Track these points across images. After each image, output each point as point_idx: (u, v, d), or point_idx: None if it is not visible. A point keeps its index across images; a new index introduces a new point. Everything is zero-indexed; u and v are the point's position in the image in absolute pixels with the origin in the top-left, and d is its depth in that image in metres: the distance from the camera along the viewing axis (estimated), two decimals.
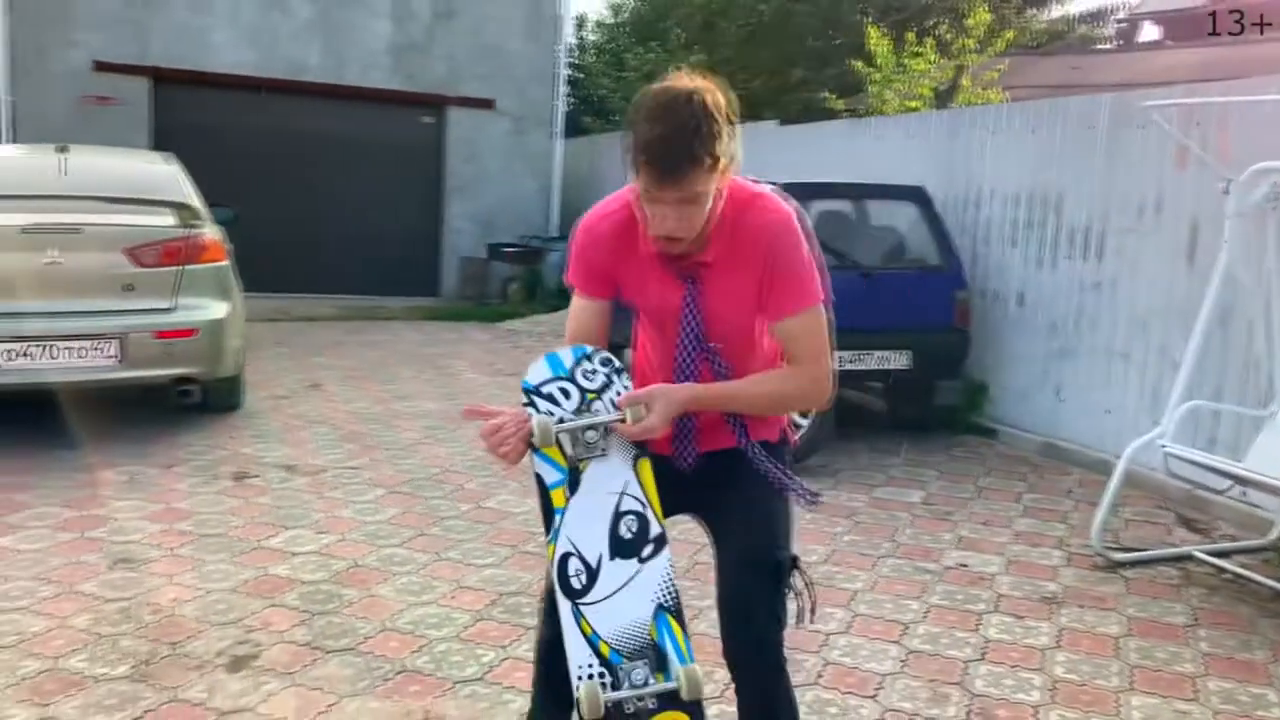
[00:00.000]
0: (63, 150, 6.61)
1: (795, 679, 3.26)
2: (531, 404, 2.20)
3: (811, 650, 3.66)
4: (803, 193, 6.84)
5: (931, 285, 6.68)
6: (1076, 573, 4.55)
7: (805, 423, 5.94)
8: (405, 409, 7.03)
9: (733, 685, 2.33)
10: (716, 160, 2.05)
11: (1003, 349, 7.05)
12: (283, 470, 5.48)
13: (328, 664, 3.37)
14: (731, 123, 2.08)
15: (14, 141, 11.09)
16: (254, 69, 12.20)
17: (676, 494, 2.30)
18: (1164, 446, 4.56)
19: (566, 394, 2.21)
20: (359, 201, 12.74)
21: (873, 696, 3.35)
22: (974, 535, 5.00)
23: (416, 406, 7.10)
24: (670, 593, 2.16)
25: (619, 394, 2.21)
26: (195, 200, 6.31)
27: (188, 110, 12.01)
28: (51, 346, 5.51)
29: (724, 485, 2.36)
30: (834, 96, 12.76)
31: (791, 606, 2.29)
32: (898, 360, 6.46)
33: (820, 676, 3.47)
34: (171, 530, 4.52)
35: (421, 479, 5.44)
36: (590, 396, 2.21)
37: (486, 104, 13.13)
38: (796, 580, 2.34)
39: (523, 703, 3.16)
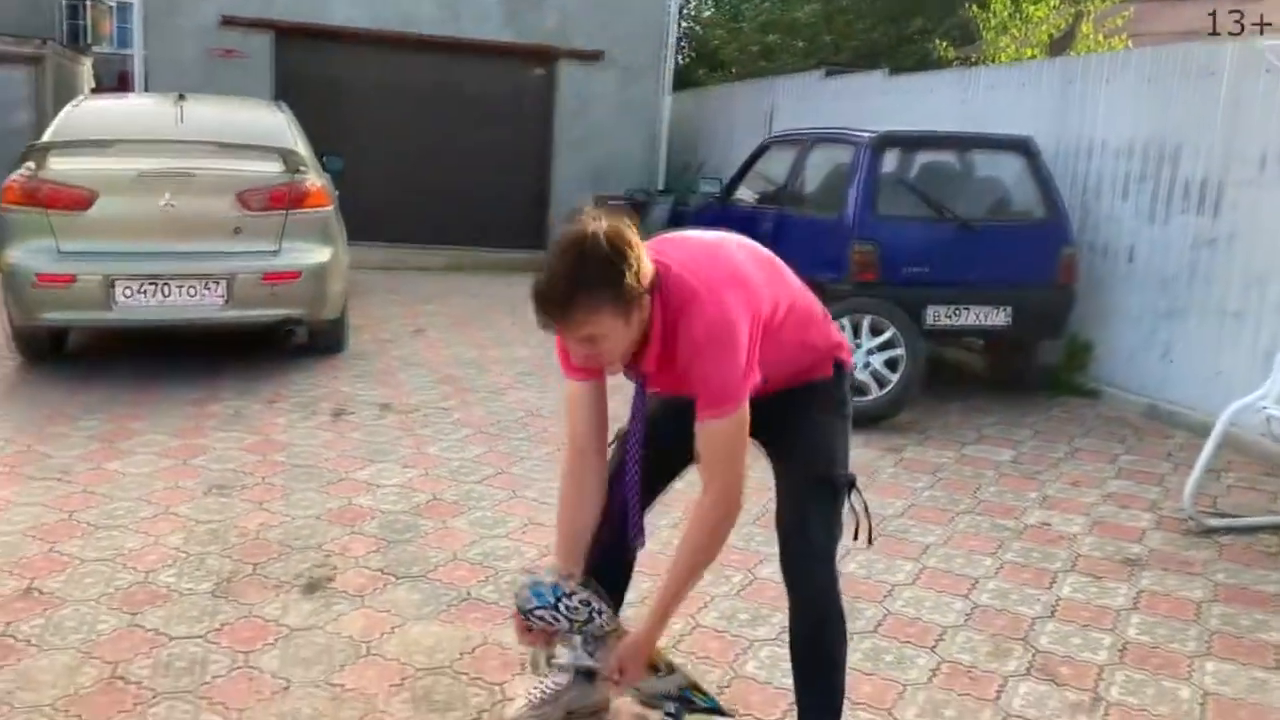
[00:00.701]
0: (181, 99, 6.91)
1: (854, 626, 3.30)
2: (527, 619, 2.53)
3: (874, 600, 3.64)
4: (904, 143, 6.79)
5: (1035, 240, 6.46)
6: (1165, 536, 4.39)
7: (894, 378, 5.86)
8: (500, 355, 7.18)
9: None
10: (610, 299, 2.12)
11: (1109, 307, 6.78)
12: (377, 408, 5.68)
13: (397, 589, 3.51)
14: (632, 262, 2.12)
15: (147, 92, 11.62)
16: (369, 23, 12.45)
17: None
18: (1265, 409, 4.35)
19: (556, 620, 2.49)
20: (470, 154, 12.93)
21: (931, 648, 3.32)
22: (1060, 495, 4.86)
23: (511, 353, 7.25)
24: None
25: (601, 626, 2.49)
26: (301, 148, 6.52)
27: (306, 63, 12.36)
28: (165, 285, 5.81)
29: (785, 412, 2.47)
30: (944, 46, 12.34)
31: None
32: (996, 317, 6.29)
33: (879, 626, 3.45)
34: (266, 460, 4.74)
35: (508, 421, 5.57)
36: (577, 626, 2.50)
37: (596, 56, 13.13)
38: (855, 500, 2.47)
39: None
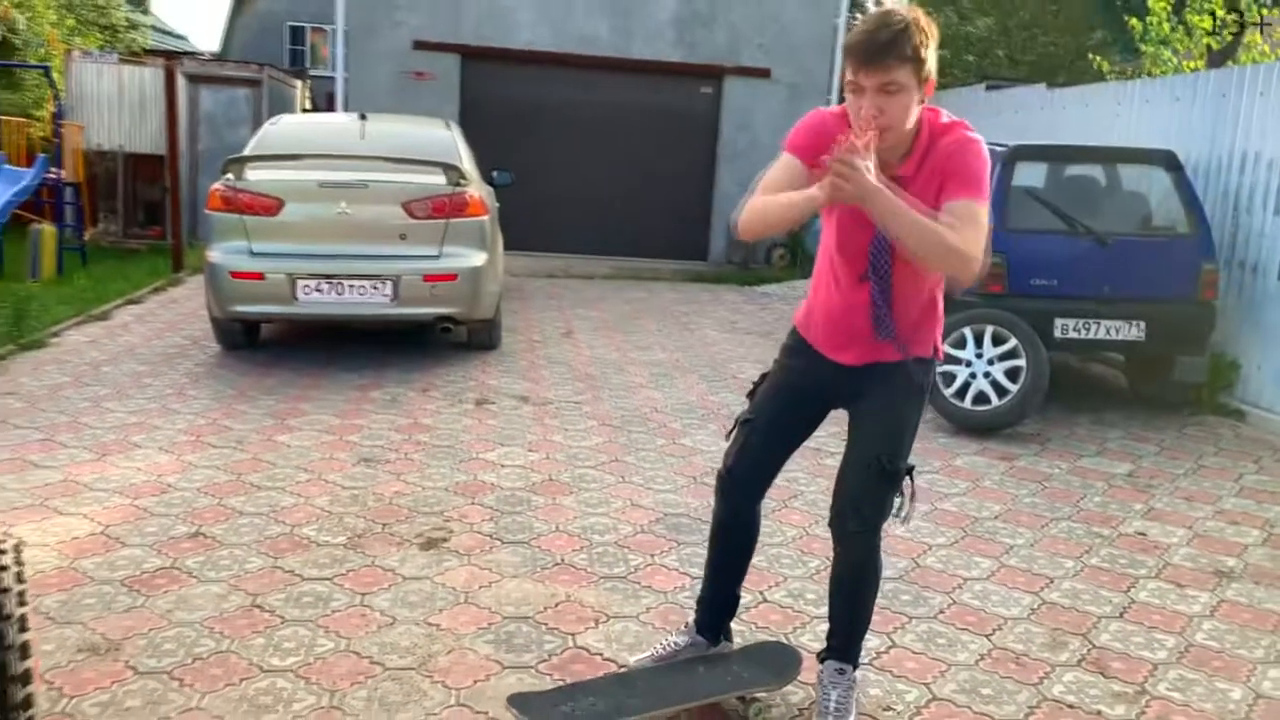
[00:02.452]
0: (363, 118, 7.67)
1: (914, 612, 3.53)
2: None
3: (943, 590, 3.82)
4: (1038, 156, 6.79)
5: (1174, 254, 6.35)
6: (1270, 553, 4.34)
7: (1014, 389, 5.92)
8: (639, 356, 7.60)
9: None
10: (915, 56, 2.41)
11: (1260, 325, 6.57)
12: (516, 400, 6.19)
13: (501, 551, 3.94)
14: (929, 45, 2.42)
15: (345, 110, 12.72)
16: (549, 44, 13.20)
17: (829, 393, 2.81)
18: None
19: None
20: (639, 168, 13.49)
21: (987, 635, 3.48)
22: (1168, 508, 4.85)
23: (649, 355, 7.65)
24: None
25: None
26: (464, 162, 7.13)
27: (490, 83, 13.21)
28: (340, 284, 6.51)
29: (868, 391, 2.75)
30: (1099, 60, 11.98)
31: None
32: (1129, 331, 6.23)
33: (941, 613, 3.63)
34: (411, 440, 5.30)
35: (632, 416, 5.96)
36: None
37: (763, 73, 13.44)
38: (906, 485, 2.76)
39: (652, 598, 3.61)
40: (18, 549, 2.51)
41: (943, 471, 5.24)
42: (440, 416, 5.76)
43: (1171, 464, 5.56)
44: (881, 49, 2.38)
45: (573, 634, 3.31)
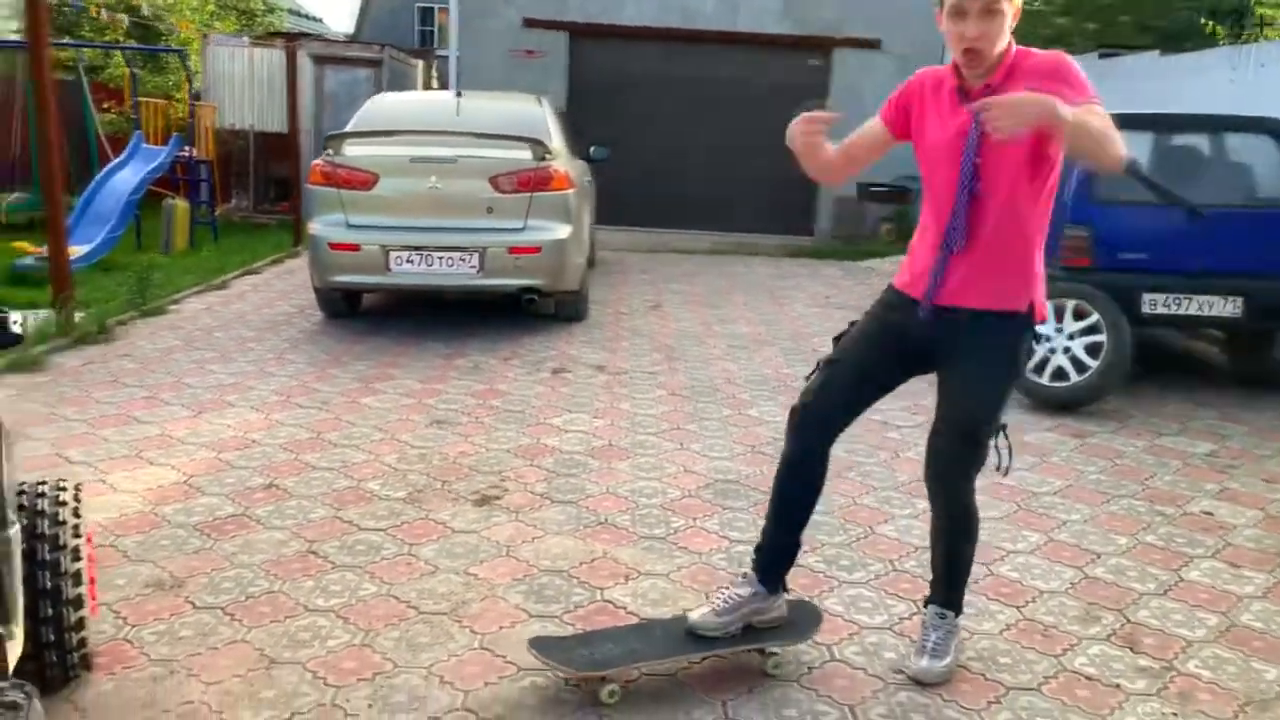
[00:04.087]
0: (459, 95, 7.92)
1: None
2: None
3: (982, 562, 3.78)
4: (1134, 125, 6.56)
5: (1278, 227, 6.07)
6: None
7: (1095, 365, 5.77)
8: (721, 329, 7.66)
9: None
10: None
11: None
12: (592, 369, 6.35)
13: (549, 510, 4.11)
14: None
15: (458, 88, 13.07)
16: (655, 20, 13.28)
17: (917, 349, 2.85)
18: None
19: None
20: (744, 142, 13.45)
21: (1018, 607, 3.46)
22: (1243, 489, 4.68)
23: (732, 328, 7.71)
24: None
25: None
26: (552, 138, 7.31)
27: (597, 60, 13.39)
28: (430, 255, 6.78)
29: (954, 350, 2.81)
30: (1211, 25, 11.35)
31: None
32: (1224, 308, 5.98)
33: (975, 583, 3.61)
34: (484, 405, 5.52)
35: (703, 386, 6.05)
36: None
37: (872, 44, 13.23)
38: (1000, 442, 2.84)
39: (686, 559, 3.72)
40: (78, 490, 2.79)
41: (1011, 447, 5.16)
42: (516, 383, 5.96)
43: (1258, 445, 5.35)
44: None
45: (601, 588, 3.45)
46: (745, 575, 3.11)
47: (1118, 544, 4.02)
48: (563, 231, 6.99)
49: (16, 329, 2.28)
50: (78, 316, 6.87)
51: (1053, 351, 5.87)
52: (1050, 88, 2.48)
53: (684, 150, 13.45)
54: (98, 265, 9.29)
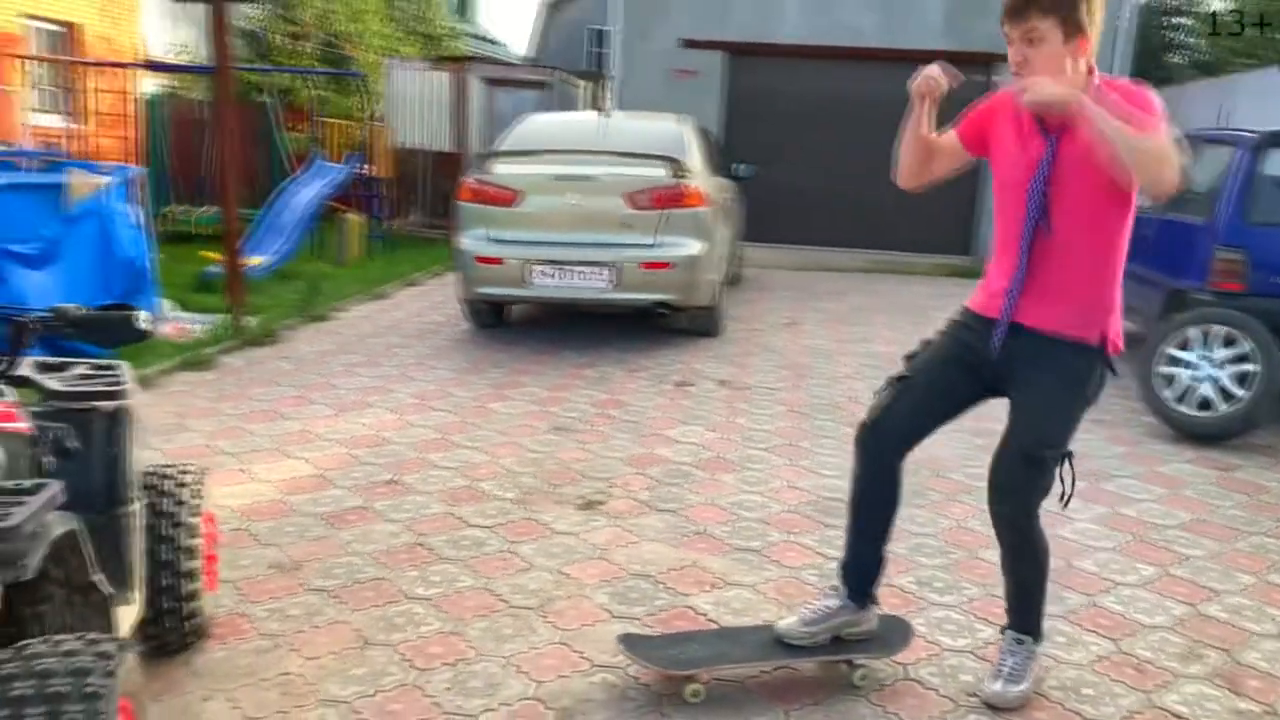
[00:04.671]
0: (605, 115, 8.17)
1: (1053, 609, 3.45)
2: None
3: (1086, 592, 3.69)
4: (1270, 141, 6.20)
5: None
6: None
7: (1243, 394, 5.47)
8: (855, 348, 7.61)
9: None
10: (1059, 10, 2.55)
11: None
12: (715, 383, 6.44)
13: (649, 517, 4.22)
14: (1081, 4, 2.55)
15: (619, 108, 13.41)
16: (814, 38, 13.27)
17: (988, 371, 2.84)
18: None
19: None
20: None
21: (1115, 640, 3.35)
22: None
23: (867, 347, 7.64)
24: None
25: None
26: (690, 156, 7.44)
27: (753, 78, 13.48)
28: (566, 269, 7.03)
29: (1021, 373, 2.81)
30: None
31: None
32: None
33: (1072, 613, 3.53)
34: (604, 414, 5.68)
35: (823, 404, 6.04)
36: None
37: None
38: (1065, 472, 2.79)
39: (776, 572, 3.76)
40: (200, 475, 3.08)
41: (1141, 478, 4.96)
42: (638, 394, 6.11)
43: None
44: (1023, 1, 2.57)
45: (686, 594, 3.53)
46: (834, 588, 3.13)
47: (1239, 582, 3.82)
48: (695, 248, 7.11)
49: (144, 326, 2.55)
50: (249, 321, 7.43)
51: (1198, 380, 5.58)
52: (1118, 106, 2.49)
53: (839, 167, 13.36)
54: (276, 274, 9.98)
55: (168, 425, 5.19)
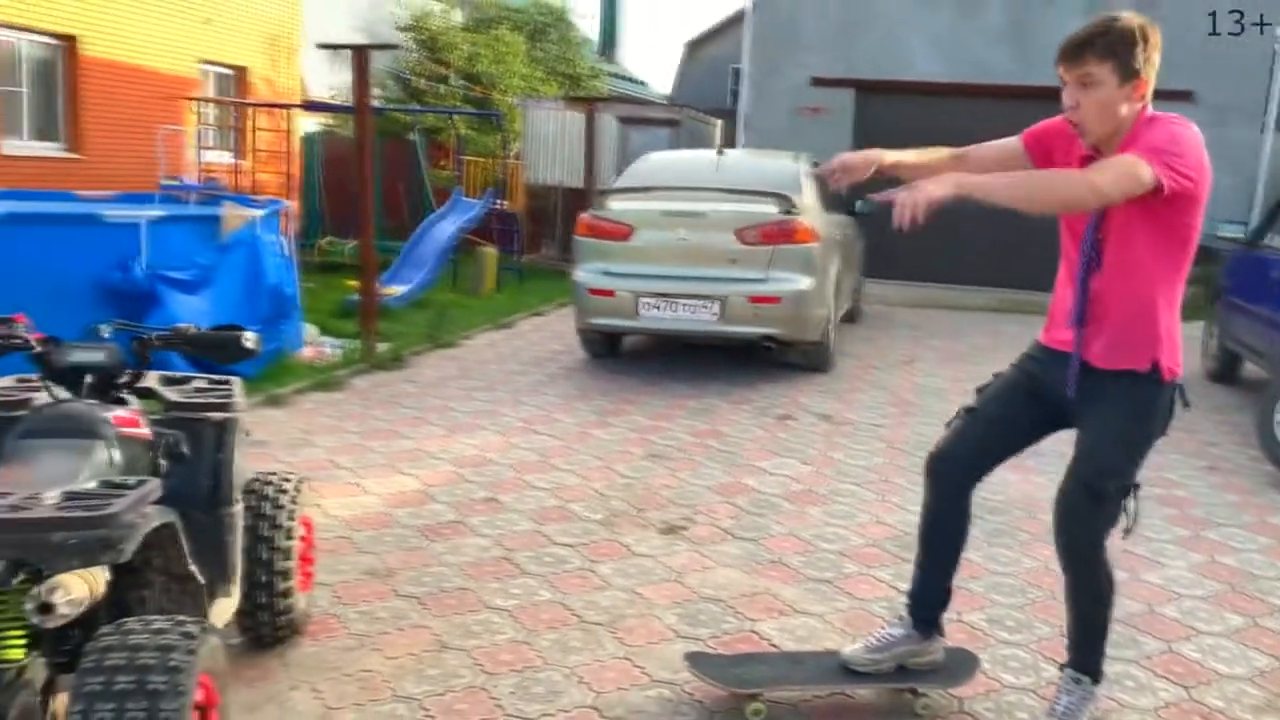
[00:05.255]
0: (720, 153, 8.36)
1: (1121, 653, 3.44)
2: None
3: (1164, 638, 3.63)
4: None
5: None
6: None
7: None
8: (968, 387, 7.45)
9: None
10: (1116, 55, 2.58)
11: None
12: (817, 418, 6.49)
13: (729, 544, 4.34)
14: (1138, 48, 2.57)
15: (744, 146, 13.60)
16: (945, 75, 13.18)
17: (1056, 403, 2.87)
18: None
19: None
20: None
21: (1187, 687, 3.29)
22: None
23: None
24: None
25: None
26: (802, 193, 7.53)
27: (883, 116, 13.45)
28: (675, 302, 7.21)
29: (1087, 406, 2.84)
30: None
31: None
32: None
33: (1147, 658, 3.47)
34: (701, 443, 5.82)
35: (924, 441, 5.96)
36: None
37: (1184, 95, 12.38)
38: (1129, 503, 2.80)
39: (846, 603, 3.83)
40: (300, 483, 3.37)
41: (1248, 527, 4.79)
42: (738, 425, 6.23)
43: None
44: (1078, 45, 2.61)
45: (754, 620, 3.63)
46: (900, 617, 3.19)
47: None
48: (804, 283, 7.20)
49: (250, 345, 2.84)
50: (381, 346, 7.88)
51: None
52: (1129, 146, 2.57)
53: (968, 205, 13.13)
54: (413, 303, 10.51)
55: (294, 440, 5.59)
